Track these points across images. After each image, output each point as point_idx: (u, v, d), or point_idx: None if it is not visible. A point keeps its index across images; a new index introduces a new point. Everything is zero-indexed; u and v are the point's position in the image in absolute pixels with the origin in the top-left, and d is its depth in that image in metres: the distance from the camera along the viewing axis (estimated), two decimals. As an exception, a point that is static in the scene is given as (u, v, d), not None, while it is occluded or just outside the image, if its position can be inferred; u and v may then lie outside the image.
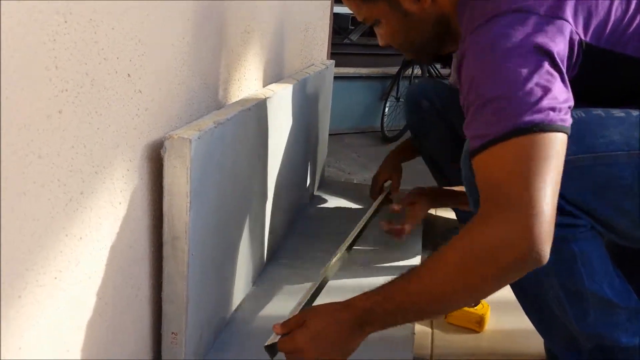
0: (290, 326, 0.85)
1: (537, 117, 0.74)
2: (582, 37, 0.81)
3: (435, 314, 0.85)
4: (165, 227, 0.85)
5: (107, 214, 0.74)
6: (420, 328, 1.23)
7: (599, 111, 0.86)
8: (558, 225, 0.84)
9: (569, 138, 0.78)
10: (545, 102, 0.75)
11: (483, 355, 1.16)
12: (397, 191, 1.63)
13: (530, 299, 0.96)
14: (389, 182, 1.64)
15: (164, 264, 0.87)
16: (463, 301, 0.84)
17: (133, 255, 0.83)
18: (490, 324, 1.26)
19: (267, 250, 1.34)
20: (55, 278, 0.65)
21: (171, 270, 0.87)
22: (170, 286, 0.87)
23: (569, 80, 0.80)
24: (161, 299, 0.89)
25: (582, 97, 0.85)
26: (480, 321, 1.23)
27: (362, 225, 1.37)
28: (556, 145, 0.74)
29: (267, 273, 1.32)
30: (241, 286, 1.17)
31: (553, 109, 0.75)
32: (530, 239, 0.72)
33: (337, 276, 1.26)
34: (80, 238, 0.69)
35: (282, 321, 0.87)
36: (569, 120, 0.76)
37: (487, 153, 0.77)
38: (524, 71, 0.75)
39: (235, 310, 1.16)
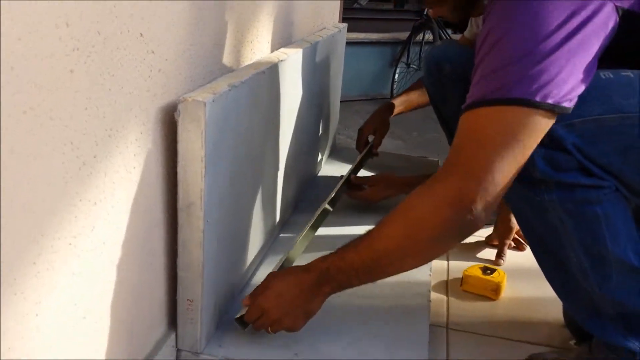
0: (256, 295, 0.91)
1: (523, 91, 0.74)
2: (620, 5, 0.77)
3: (384, 272, 0.87)
4: (180, 193, 0.83)
5: (121, 179, 0.72)
6: (436, 296, 1.22)
7: (628, 72, 0.83)
8: (582, 187, 0.83)
9: (598, 98, 0.78)
10: (539, 78, 0.73)
11: (499, 322, 1.15)
12: (377, 147, 1.64)
13: (552, 263, 0.94)
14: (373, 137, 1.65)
15: (179, 231, 0.85)
16: (408, 260, 0.85)
17: (148, 222, 0.81)
18: (507, 292, 1.25)
19: (280, 217, 1.33)
20: (70, 244, 0.63)
21: (186, 237, 0.85)
22: (185, 253, 0.86)
23: (603, 46, 0.77)
24: (176, 265, 0.87)
25: (613, 60, 0.82)
26: (496, 289, 1.22)
27: (343, 181, 1.41)
28: (534, 125, 0.75)
29: (280, 240, 1.31)
30: (255, 253, 1.16)
31: (546, 87, 0.73)
32: (463, 204, 0.76)
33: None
34: (95, 203, 0.67)
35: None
36: (563, 99, 0.74)
37: (466, 115, 0.79)
38: (531, 41, 0.74)
39: (250, 277, 1.15)
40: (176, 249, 0.87)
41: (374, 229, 0.85)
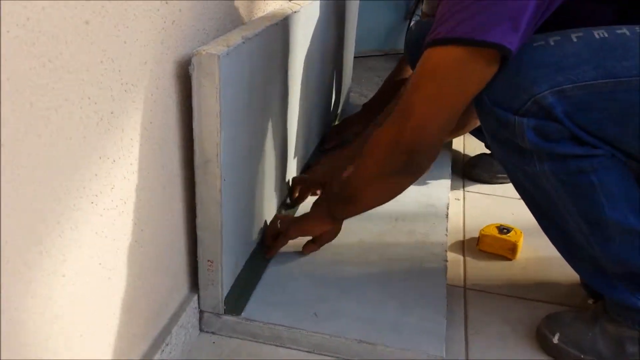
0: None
1: (450, 31, 0.73)
2: None
3: (358, 199, 0.97)
4: (197, 150, 0.81)
5: (139, 136, 0.70)
6: (453, 256, 1.21)
7: (623, 30, 0.77)
8: (575, 157, 0.80)
9: (590, 61, 0.74)
10: (473, 19, 0.72)
11: (517, 282, 1.15)
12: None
13: (552, 227, 0.93)
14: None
15: (197, 190, 0.83)
16: (373, 193, 0.94)
17: (167, 180, 0.79)
18: (524, 251, 1.23)
19: (294, 174, 1.31)
20: (92, 202, 0.61)
21: (204, 196, 0.83)
22: (204, 213, 0.84)
23: None
24: (196, 225, 0.86)
25: (611, 14, 0.78)
26: (513, 248, 1.21)
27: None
28: (463, 64, 0.75)
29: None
30: (271, 211, 1.15)
31: (477, 25, 0.72)
32: (396, 146, 0.83)
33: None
34: (114, 161, 0.65)
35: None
36: (501, 39, 0.72)
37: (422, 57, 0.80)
38: None
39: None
40: (195, 208, 0.85)
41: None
